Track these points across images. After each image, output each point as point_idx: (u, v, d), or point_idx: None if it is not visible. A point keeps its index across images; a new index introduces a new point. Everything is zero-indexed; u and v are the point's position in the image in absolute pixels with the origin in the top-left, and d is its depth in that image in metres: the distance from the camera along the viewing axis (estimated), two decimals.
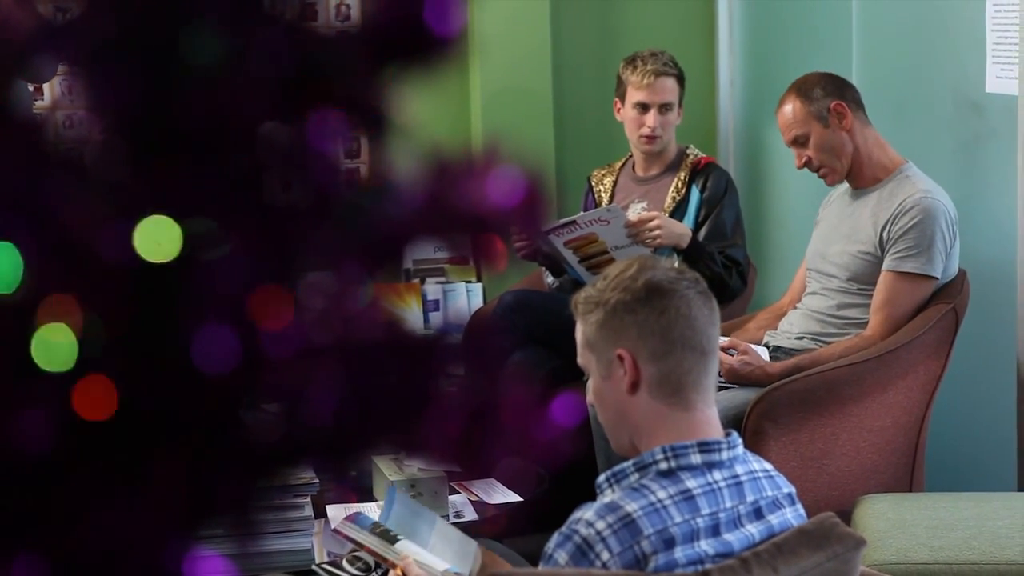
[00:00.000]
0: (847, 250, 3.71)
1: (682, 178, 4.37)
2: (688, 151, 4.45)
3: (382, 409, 0.84)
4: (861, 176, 3.74)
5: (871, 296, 3.67)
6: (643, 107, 4.30)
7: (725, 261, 4.23)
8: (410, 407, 0.85)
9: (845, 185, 3.83)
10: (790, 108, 3.72)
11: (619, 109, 4.41)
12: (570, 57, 5.09)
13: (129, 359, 0.76)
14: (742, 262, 4.27)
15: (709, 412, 2.03)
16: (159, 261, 0.72)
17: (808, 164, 3.74)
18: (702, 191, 4.34)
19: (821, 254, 3.81)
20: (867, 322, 3.67)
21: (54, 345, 0.73)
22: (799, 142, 3.74)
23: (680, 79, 4.34)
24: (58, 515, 0.79)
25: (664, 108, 4.31)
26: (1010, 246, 3.66)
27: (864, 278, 3.68)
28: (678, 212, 4.34)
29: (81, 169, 0.78)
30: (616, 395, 2.02)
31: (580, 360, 2.08)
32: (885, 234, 3.62)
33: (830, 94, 3.68)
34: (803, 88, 3.72)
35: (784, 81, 4.86)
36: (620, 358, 2.00)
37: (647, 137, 4.33)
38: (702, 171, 4.37)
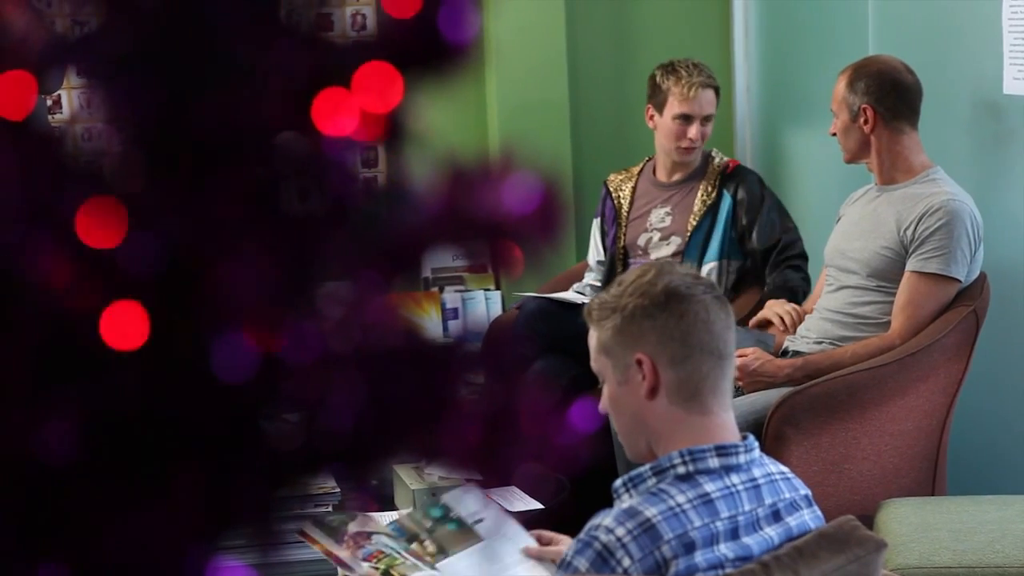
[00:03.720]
0: (868, 246, 3.72)
1: (712, 182, 4.39)
2: (712, 155, 4.46)
3: (402, 417, 0.84)
4: (884, 176, 3.76)
5: (889, 294, 3.68)
6: (686, 118, 4.32)
7: (797, 264, 4.27)
8: (430, 414, 0.85)
9: (869, 184, 3.86)
10: (838, 84, 3.79)
11: (651, 116, 4.42)
12: (586, 65, 5.10)
13: (149, 368, 0.77)
14: (802, 251, 4.31)
15: (726, 416, 2.03)
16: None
17: (835, 135, 3.81)
18: (734, 196, 4.36)
19: (840, 250, 3.82)
20: (882, 322, 3.68)
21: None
22: (834, 113, 3.80)
23: (718, 91, 4.38)
24: (80, 524, 0.79)
25: (705, 120, 4.34)
26: None
27: (883, 274, 3.68)
28: (708, 217, 4.35)
29: (100, 180, 0.78)
30: (634, 400, 2.02)
31: (594, 366, 2.08)
32: (909, 233, 3.62)
33: (868, 94, 3.70)
34: (856, 74, 3.75)
35: (800, 85, 4.87)
36: (639, 363, 2.00)
37: (686, 149, 4.36)
38: (732, 175, 4.39)
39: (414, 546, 2.87)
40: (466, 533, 2.84)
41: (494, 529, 2.79)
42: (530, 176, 0.82)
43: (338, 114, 0.78)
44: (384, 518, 3.29)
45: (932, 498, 3.51)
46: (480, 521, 2.84)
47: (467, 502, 2.86)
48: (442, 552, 2.81)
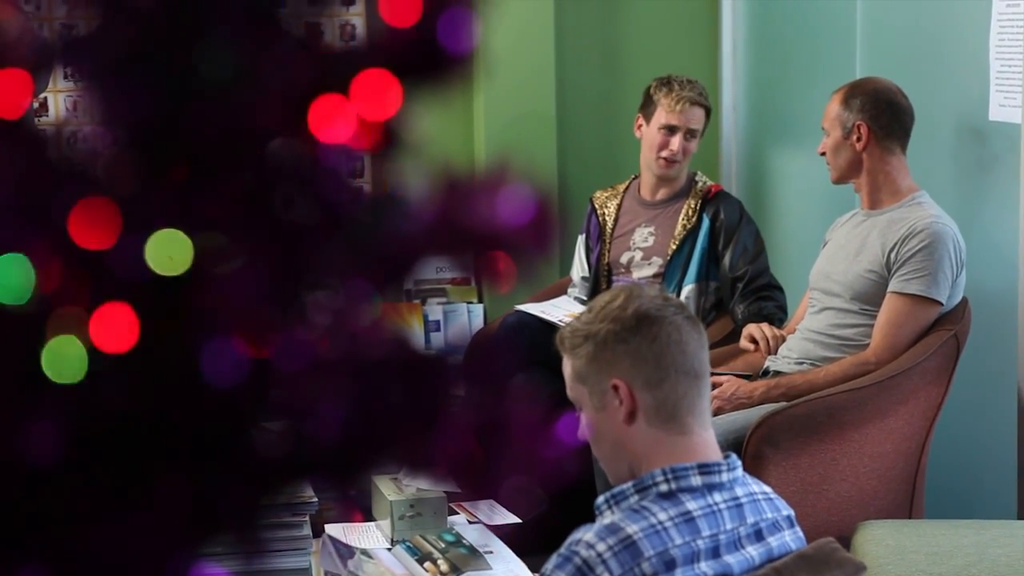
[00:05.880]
0: (852, 268, 3.73)
1: (693, 206, 4.40)
2: (697, 178, 4.47)
3: (389, 426, 0.84)
4: (870, 198, 3.77)
5: (871, 316, 3.69)
6: (670, 130, 4.34)
7: (768, 295, 4.27)
8: (418, 425, 0.85)
9: (855, 209, 3.88)
10: (832, 102, 3.80)
11: (640, 126, 4.44)
12: (574, 79, 5.11)
13: (137, 372, 0.77)
14: (772, 281, 4.31)
15: (706, 435, 2.03)
16: (171, 274, 0.73)
17: (823, 154, 3.80)
18: (713, 220, 4.37)
19: (825, 273, 3.83)
20: (864, 344, 3.68)
21: (65, 357, 0.73)
22: (825, 131, 3.80)
23: (709, 112, 4.40)
24: (63, 527, 0.79)
25: (690, 134, 4.36)
26: (1011, 274, 3.67)
27: (867, 298, 3.69)
28: (689, 241, 4.36)
29: (93, 182, 0.78)
30: (613, 426, 2.02)
31: (570, 394, 2.08)
32: (893, 255, 3.64)
33: (863, 111, 3.71)
34: (852, 92, 3.76)
35: (787, 107, 4.89)
36: (615, 388, 2.00)
37: (667, 160, 4.36)
38: (712, 200, 4.40)
39: (427, 565, 2.95)
40: (477, 559, 2.95)
41: (502, 561, 2.92)
42: (523, 188, 0.82)
43: (334, 121, 0.78)
44: (368, 528, 3.31)
45: (909, 521, 3.52)
46: (490, 552, 2.96)
47: (474, 532, 3.02)
48: (455, 571, 2.90)
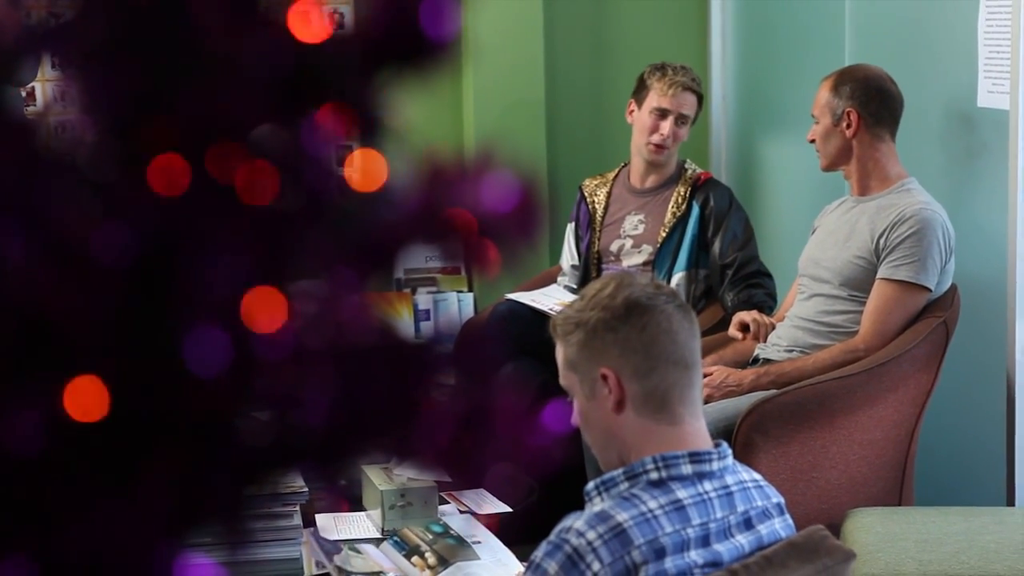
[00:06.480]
0: (841, 255, 3.73)
1: (682, 193, 4.40)
2: (687, 166, 4.47)
3: (374, 415, 0.84)
4: (860, 184, 3.78)
5: (860, 303, 3.69)
6: (661, 114, 4.34)
7: (757, 282, 4.27)
8: (402, 414, 0.84)
9: (844, 196, 3.88)
10: (821, 89, 3.81)
11: (632, 111, 4.44)
12: (563, 68, 5.10)
13: (121, 361, 0.76)
14: (762, 268, 4.31)
15: (697, 424, 2.03)
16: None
17: (812, 142, 3.80)
18: (703, 207, 4.37)
19: (815, 259, 3.83)
20: (853, 331, 3.69)
21: None
22: (815, 119, 3.80)
23: (701, 99, 4.40)
24: (47, 518, 0.78)
25: (680, 120, 4.35)
26: (1000, 261, 3.67)
27: (856, 284, 3.69)
28: (678, 228, 4.36)
29: (74, 171, 0.78)
30: (602, 414, 2.02)
31: (562, 381, 2.07)
32: (882, 242, 3.64)
33: (853, 98, 3.71)
34: (841, 79, 3.77)
35: (776, 96, 4.88)
36: (604, 377, 2.00)
37: (657, 145, 4.36)
38: (702, 187, 4.40)
39: (415, 559, 2.95)
40: (465, 549, 2.95)
41: (490, 551, 2.93)
42: (509, 175, 0.81)
43: (316, 109, 0.77)
44: (358, 518, 3.30)
45: (899, 508, 3.52)
46: (478, 542, 2.97)
47: (463, 523, 3.03)
48: (443, 563, 2.90)
